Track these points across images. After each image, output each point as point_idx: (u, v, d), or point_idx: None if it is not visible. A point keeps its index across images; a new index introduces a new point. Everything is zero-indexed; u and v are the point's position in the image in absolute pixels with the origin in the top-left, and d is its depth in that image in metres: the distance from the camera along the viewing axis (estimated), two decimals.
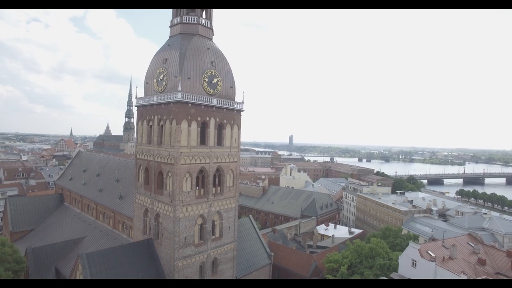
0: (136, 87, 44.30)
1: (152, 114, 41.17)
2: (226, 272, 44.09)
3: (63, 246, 48.59)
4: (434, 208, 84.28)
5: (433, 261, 39.21)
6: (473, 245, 45.65)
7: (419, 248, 42.18)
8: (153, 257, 39.26)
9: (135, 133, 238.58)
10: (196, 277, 39.61)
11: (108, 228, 52.29)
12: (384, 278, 41.67)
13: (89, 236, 51.84)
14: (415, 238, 60.72)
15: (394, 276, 42.76)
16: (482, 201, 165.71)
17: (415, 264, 42.12)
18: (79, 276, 35.14)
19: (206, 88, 39.61)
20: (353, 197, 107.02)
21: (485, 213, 75.53)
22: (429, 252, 41.87)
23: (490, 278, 35.26)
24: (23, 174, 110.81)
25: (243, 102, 44.05)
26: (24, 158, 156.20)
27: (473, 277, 36.27)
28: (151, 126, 41.68)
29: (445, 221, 77.88)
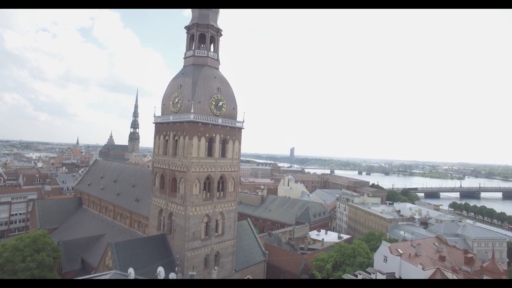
0: (154, 107, 52.92)
1: (168, 130, 49.97)
2: (227, 265, 52.01)
3: (87, 240, 56.80)
4: (417, 217, 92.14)
5: (398, 256, 47.08)
6: (437, 245, 53.53)
7: (389, 246, 50.11)
8: (166, 248, 47.38)
9: (139, 143, 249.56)
10: (202, 266, 47.61)
11: (125, 227, 60.44)
12: (362, 272, 49.03)
13: (109, 233, 59.95)
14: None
15: (369, 270, 50.36)
16: (473, 213, 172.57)
17: (386, 259, 49.90)
18: (108, 260, 43.29)
19: (213, 110, 48.49)
20: (345, 206, 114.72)
21: (460, 221, 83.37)
22: (398, 249, 49.79)
23: (442, 269, 42.88)
24: (39, 180, 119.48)
25: (243, 121, 52.86)
26: (39, 165, 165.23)
27: (429, 268, 43.89)
28: (167, 140, 50.39)
29: (425, 228, 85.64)
